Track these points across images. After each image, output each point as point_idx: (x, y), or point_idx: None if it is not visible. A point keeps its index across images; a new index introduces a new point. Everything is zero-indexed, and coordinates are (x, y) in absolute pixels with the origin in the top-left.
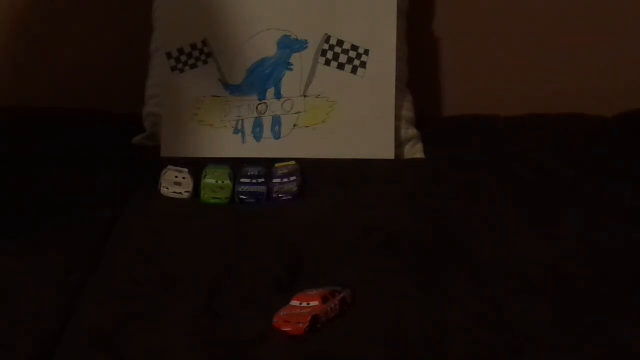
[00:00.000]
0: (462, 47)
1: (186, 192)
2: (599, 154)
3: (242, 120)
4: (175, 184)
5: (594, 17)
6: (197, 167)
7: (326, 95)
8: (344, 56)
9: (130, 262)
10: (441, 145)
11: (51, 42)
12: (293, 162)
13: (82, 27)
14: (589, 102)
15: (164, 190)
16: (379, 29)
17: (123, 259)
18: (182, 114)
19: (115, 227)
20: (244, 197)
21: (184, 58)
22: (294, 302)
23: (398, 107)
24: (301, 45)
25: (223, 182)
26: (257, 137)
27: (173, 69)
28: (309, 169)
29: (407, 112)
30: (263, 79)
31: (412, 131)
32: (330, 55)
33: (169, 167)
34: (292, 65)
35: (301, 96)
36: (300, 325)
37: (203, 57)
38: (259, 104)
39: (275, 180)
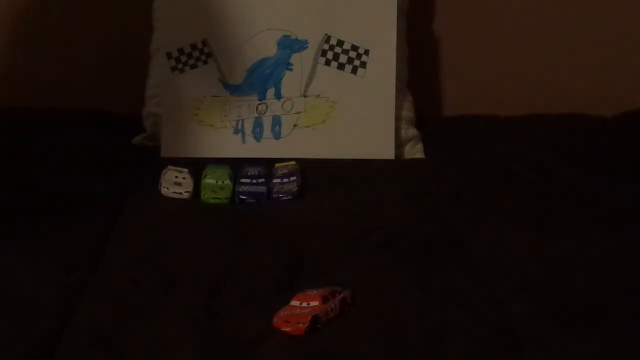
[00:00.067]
0: (462, 47)
1: (186, 192)
2: (599, 154)
3: (242, 120)
4: (175, 184)
5: (594, 17)
6: (197, 167)
7: (326, 95)
8: (344, 56)
9: (130, 262)
10: (441, 145)
11: (51, 42)
12: (293, 162)
13: (82, 27)
14: (589, 102)
15: (164, 190)
16: (379, 29)
17: (123, 259)
18: (182, 114)
19: (115, 227)
20: (244, 197)
21: (184, 58)
22: (294, 302)
23: (398, 107)
24: (301, 45)
25: (223, 182)
26: (257, 137)
27: (173, 69)
28: (309, 169)
29: (407, 112)
30: (263, 79)
31: (412, 131)
32: (330, 55)
33: (169, 167)
34: (292, 65)
35: (301, 96)
36: (300, 325)
37: (203, 57)
38: (259, 104)
39: (275, 180)
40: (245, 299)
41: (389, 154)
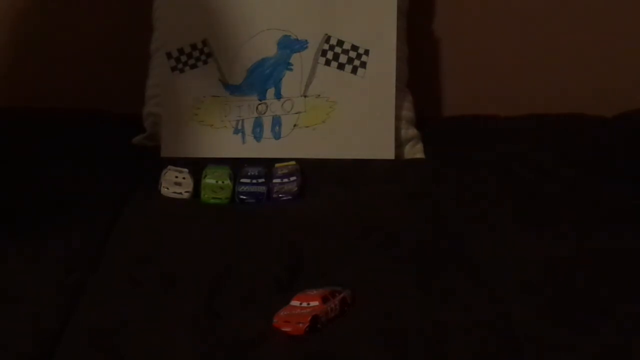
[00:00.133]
0: (462, 47)
1: (186, 192)
2: (599, 154)
3: (242, 120)
4: (175, 184)
5: (594, 17)
6: (197, 167)
7: (326, 95)
8: (344, 56)
9: (130, 262)
10: (441, 145)
11: (51, 42)
12: (293, 162)
13: (82, 27)
14: (589, 102)
15: (164, 190)
16: (379, 29)
17: (123, 259)
18: (182, 114)
19: (115, 227)
20: (244, 197)
21: (184, 58)
22: (294, 302)
23: (398, 107)
24: (301, 45)
25: (223, 182)
26: (257, 137)
27: (173, 69)
28: (309, 169)
29: (407, 112)
30: (263, 79)
31: (412, 131)
32: (330, 55)
33: (169, 167)
34: (292, 65)
35: (301, 96)
36: (300, 325)
37: (203, 57)
38: (259, 104)
39: (275, 180)
40: (245, 299)
41: (389, 154)
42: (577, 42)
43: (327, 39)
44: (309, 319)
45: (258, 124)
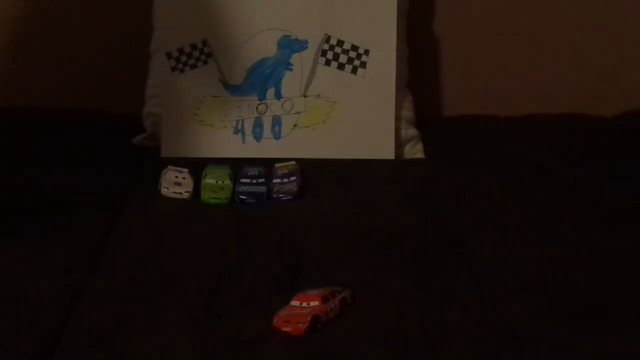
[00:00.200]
0: (462, 47)
1: (186, 192)
2: (599, 154)
3: (242, 120)
4: (175, 184)
5: (594, 17)
6: (197, 167)
7: (326, 95)
8: (344, 56)
9: (130, 262)
10: (441, 145)
11: (51, 42)
12: (293, 162)
13: (82, 27)
14: (589, 102)
15: (164, 190)
16: (379, 29)
17: (123, 259)
18: (182, 114)
19: (115, 227)
20: (244, 197)
21: (184, 58)
22: (294, 302)
23: (398, 107)
24: (301, 45)
25: (223, 182)
26: (257, 137)
27: (173, 69)
28: (309, 169)
29: (407, 112)
30: (263, 79)
31: (412, 131)
32: (330, 55)
33: (169, 167)
34: (292, 65)
35: (301, 96)
36: (300, 325)
37: (203, 57)
38: (259, 104)
39: (275, 180)
40: (245, 299)
41: (389, 154)
42: (577, 42)
43: (327, 39)
44: (309, 319)
45: (258, 124)
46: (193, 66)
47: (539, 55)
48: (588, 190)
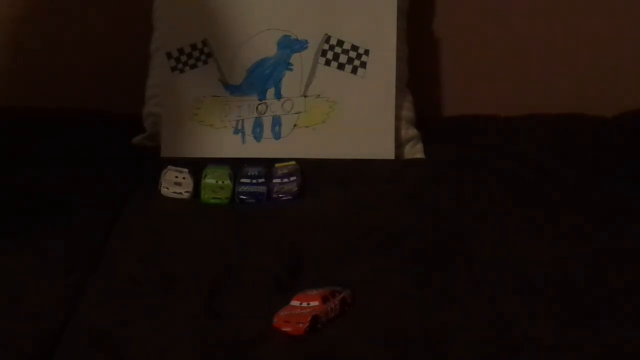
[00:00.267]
0: (462, 47)
1: (186, 192)
2: (599, 154)
3: (242, 120)
4: (175, 184)
5: (594, 17)
6: (197, 167)
7: (326, 95)
8: (344, 56)
9: (130, 262)
10: (441, 145)
11: (51, 42)
12: (293, 162)
13: (82, 27)
14: (589, 102)
15: (164, 190)
16: (379, 29)
17: (123, 259)
18: (182, 114)
19: (115, 227)
20: (244, 197)
21: (184, 58)
22: (294, 302)
23: (398, 107)
24: (301, 45)
25: (223, 182)
26: (257, 137)
27: (173, 69)
28: (309, 169)
29: (407, 112)
30: (263, 79)
31: (412, 131)
32: (330, 55)
33: (169, 167)
34: (292, 65)
35: (301, 96)
36: (300, 325)
37: (203, 57)
38: (259, 104)
39: (275, 180)
40: (245, 299)
41: (389, 154)
42: (576, 42)
43: (327, 39)
44: (309, 319)
45: (258, 124)
46: (193, 66)
47: (539, 55)
48: (588, 190)
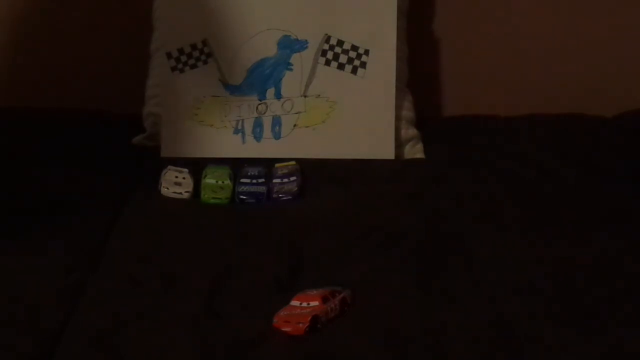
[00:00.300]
0: (462, 47)
1: (186, 192)
2: (599, 154)
3: (242, 120)
4: (175, 184)
5: (594, 17)
6: (197, 167)
7: (326, 95)
8: (344, 56)
9: (130, 262)
10: (441, 145)
11: (51, 42)
12: (293, 162)
13: (82, 27)
14: (589, 102)
15: (164, 190)
16: (379, 29)
17: (123, 259)
18: (182, 114)
19: (115, 227)
20: (244, 197)
21: (184, 58)
22: (294, 302)
23: (398, 107)
24: (301, 45)
25: (223, 182)
26: (257, 137)
27: (173, 69)
28: (309, 169)
29: (407, 112)
30: (263, 79)
31: (412, 131)
32: (330, 55)
33: (169, 167)
34: (292, 65)
35: (301, 96)
36: (300, 325)
37: (203, 57)
38: (259, 104)
39: (275, 180)
40: (245, 299)
41: (389, 154)
42: (576, 42)
43: (327, 39)
44: (309, 319)
45: (258, 124)
46: (193, 66)
47: (539, 55)
48: (588, 190)
